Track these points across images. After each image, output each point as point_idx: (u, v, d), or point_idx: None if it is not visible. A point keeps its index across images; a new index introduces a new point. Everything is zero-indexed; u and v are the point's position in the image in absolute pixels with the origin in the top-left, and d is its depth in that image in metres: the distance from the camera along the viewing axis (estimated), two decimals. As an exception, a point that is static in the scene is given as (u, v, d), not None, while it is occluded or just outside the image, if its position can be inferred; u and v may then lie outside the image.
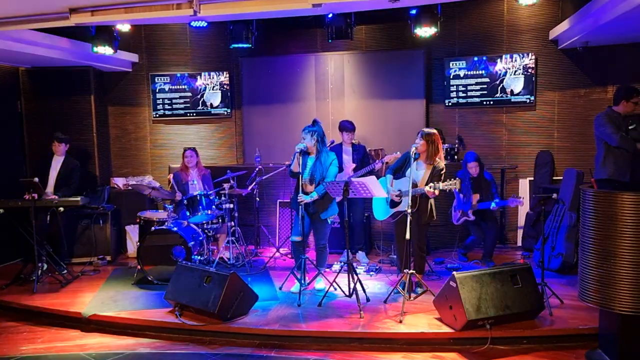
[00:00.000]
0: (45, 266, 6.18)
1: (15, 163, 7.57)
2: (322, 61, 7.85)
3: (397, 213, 5.36)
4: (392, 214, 5.45)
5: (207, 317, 4.79)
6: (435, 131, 5.28)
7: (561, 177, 6.65)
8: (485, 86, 7.50)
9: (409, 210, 4.85)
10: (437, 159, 5.22)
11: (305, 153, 5.45)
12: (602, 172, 5.52)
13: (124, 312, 5.06)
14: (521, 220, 7.34)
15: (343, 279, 5.34)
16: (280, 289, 5.66)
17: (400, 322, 4.61)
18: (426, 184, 5.12)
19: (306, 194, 5.36)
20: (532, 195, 7.20)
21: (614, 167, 5.46)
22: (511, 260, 6.61)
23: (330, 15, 6.80)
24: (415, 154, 5.13)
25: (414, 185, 5.12)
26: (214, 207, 6.30)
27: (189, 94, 8.25)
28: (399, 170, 5.41)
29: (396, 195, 5.32)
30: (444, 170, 5.19)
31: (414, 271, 5.10)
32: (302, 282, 5.39)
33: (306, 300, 5.25)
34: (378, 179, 5.15)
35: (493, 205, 6.14)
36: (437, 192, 5.02)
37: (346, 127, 6.59)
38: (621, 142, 5.36)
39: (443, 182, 5.03)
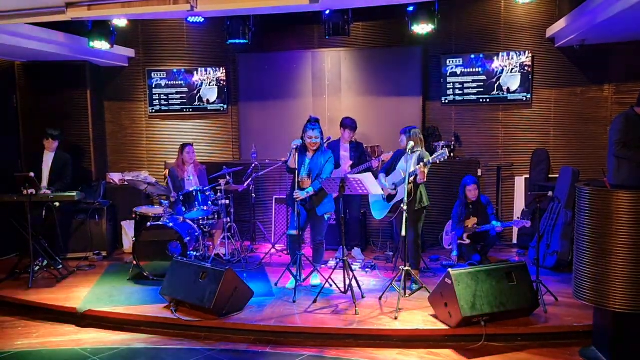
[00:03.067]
0: (46, 262, 6.17)
1: (11, 158, 7.54)
2: (319, 58, 7.84)
3: (396, 206, 5.41)
4: (391, 209, 5.52)
5: (203, 313, 4.79)
6: (413, 127, 5.62)
7: (557, 175, 6.67)
8: (482, 84, 7.50)
9: (405, 207, 4.86)
10: (418, 148, 5.44)
11: (302, 149, 5.45)
12: (616, 178, 5.26)
13: (119, 307, 5.06)
14: (517, 218, 7.36)
15: (338, 276, 5.35)
16: (276, 285, 5.66)
17: (396, 318, 4.62)
18: None
19: (303, 189, 5.37)
20: (528, 193, 7.22)
21: (628, 173, 5.20)
22: (506, 257, 6.62)
23: (327, 12, 6.79)
24: (411, 149, 5.31)
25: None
26: (209, 203, 6.30)
27: (186, 90, 8.23)
28: (390, 169, 5.66)
29: (392, 189, 5.41)
30: (427, 156, 5.34)
31: (409, 267, 5.10)
32: (298, 278, 5.39)
33: (301, 297, 5.25)
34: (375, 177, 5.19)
35: (497, 224, 6.18)
36: (425, 170, 5.20)
37: (348, 124, 6.58)
38: (619, 154, 5.18)
39: (431, 155, 5.20)
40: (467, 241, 6.29)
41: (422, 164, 5.17)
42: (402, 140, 5.56)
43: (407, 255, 5.38)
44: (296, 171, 5.36)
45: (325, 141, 6.53)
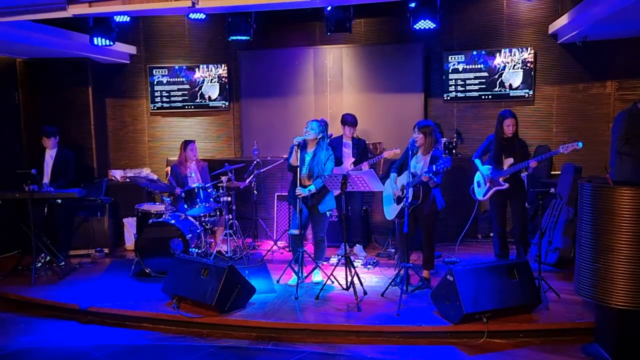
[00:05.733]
0: (48, 258, 6.18)
1: (13, 155, 7.55)
2: (320, 54, 7.83)
3: (403, 209, 5.29)
4: (399, 213, 5.41)
5: (205, 310, 4.79)
6: (431, 123, 5.31)
7: (559, 172, 6.65)
8: (484, 80, 7.49)
9: (407, 203, 4.85)
10: (434, 148, 5.26)
11: (303, 147, 5.44)
12: (619, 174, 5.22)
13: (121, 304, 5.07)
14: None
15: (340, 272, 5.35)
16: (278, 282, 5.66)
17: (398, 315, 4.62)
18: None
19: (304, 187, 5.36)
20: (530, 189, 7.20)
21: (630, 169, 5.17)
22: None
23: (329, 8, 6.77)
24: (412, 146, 5.15)
25: (414, 176, 5.15)
26: (211, 199, 6.30)
27: (187, 87, 8.23)
28: (402, 166, 5.42)
29: (400, 191, 5.30)
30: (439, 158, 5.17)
31: (411, 265, 5.10)
32: (300, 275, 5.39)
33: (303, 294, 5.25)
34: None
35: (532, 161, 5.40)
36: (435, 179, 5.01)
37: (348, 120, 6.56)
38: (621, 150, 5.17)
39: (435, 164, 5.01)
40: (505, 185, 5.55)
41: (426, 170, 5.03)
42: (416, 135, 5.25)
43: (423, 257, 5.46)
44: (298, 168, 5.35)
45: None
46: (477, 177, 5.87)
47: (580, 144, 5.13)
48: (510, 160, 5.56)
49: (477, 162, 5.84)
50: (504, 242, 5.77)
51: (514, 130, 5.59)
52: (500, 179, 5.55)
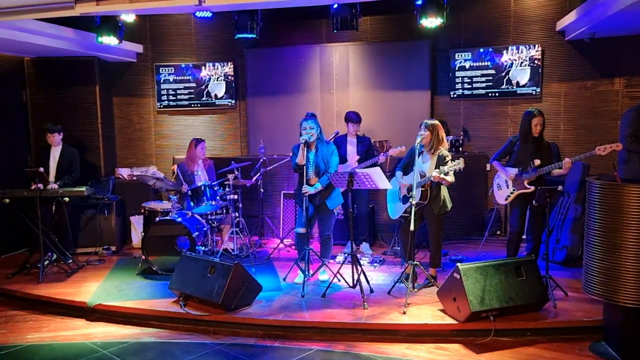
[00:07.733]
0: (55, 256, 6.22)
1: (21, 153, 7.59)
2: (326, 52, 7.82)
3: (409, 208, 5.27)
4: (406, 210, 5.41)
5: (211, 308, 4.80)
6: (437, 122, 5.29)
7: (567, 170, 6.61)
8: (491, 78, 7.45)
9: (414, 202, 4.84)
10: (440, 147, 5.23)
11: (307, 145, 5.42)
12: (626, 172, 5.18)
13: (128, 301, 5.09)
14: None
15: (347, 270, 5.34)
16: (284, 279, 5.67)
17: (404, 313, 4.61)
18: None
19: (311, 186, 5.35)
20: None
21: (638, 166, 5.12)
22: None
23: (335, 6, 6.76)
24: (420, 145, 5.12)
25: (422, 176, 5.13)
26: (218, 198, 6.31)
27: (194, 85, 8.24)
28: (408, 165, 5.42)
29: (407, 191, 5.29)
30: (449, 157, 5.17)
31: (418, 262, 5.09)
32: (306, 273, 5.39)
33: (310, 291, 5.26)
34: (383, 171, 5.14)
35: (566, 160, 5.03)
36: (448, 178, 5.00)
37: (351, 118, 6.57)
38: (630, 147, 5.13)
39: (447, 164, 5.03)
40: (530, 188, 5.25)
41: (437, 170, 5.02)
42: (421, 133, 5.18)
43: (430, 255, 5.44)
44: (304, 167, 5.34)
45: (332, 136, 6.55)
46: (498, 179, 5.64)
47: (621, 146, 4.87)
48: (537, 162, 5.28)
49: (497, 164, 5.61)
50: (518, 244, 5.56)
51: (541, 130, 5.31)
52: (526, 182, 5.30)
